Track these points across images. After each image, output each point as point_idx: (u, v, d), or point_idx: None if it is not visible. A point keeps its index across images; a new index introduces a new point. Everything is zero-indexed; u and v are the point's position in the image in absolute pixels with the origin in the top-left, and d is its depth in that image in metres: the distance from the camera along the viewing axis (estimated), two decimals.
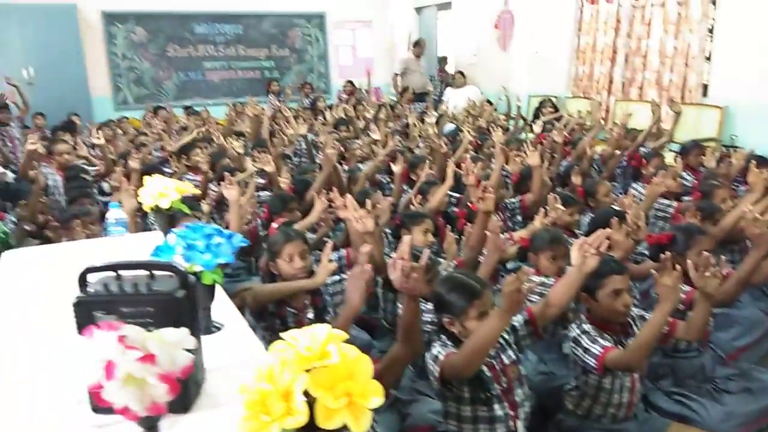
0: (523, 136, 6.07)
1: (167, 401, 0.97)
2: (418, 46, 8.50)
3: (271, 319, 2.20)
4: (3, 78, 6.58)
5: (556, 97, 6.85)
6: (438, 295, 1.81)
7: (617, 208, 3.04)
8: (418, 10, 9.53)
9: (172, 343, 0.99)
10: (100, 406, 1.03)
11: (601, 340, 1.96)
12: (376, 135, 4.84)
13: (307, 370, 0.84)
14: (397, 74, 8.74)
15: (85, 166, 4.38)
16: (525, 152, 3.55)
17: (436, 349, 1.73)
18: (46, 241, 3.76)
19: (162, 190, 2.06)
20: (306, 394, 0.83)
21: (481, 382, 1.72)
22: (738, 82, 5.08)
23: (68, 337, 1.41)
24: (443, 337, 1.81)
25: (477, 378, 1.70)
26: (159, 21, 8.81)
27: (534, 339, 1.96)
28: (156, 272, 1.15)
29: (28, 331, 1.60)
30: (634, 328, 2.12)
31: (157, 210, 2.11)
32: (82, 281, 1.13)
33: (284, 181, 3.69)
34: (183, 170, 4.26)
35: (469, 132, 5.35)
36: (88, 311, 1.08)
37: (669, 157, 4.68)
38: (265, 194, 3.87)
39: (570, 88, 6.94)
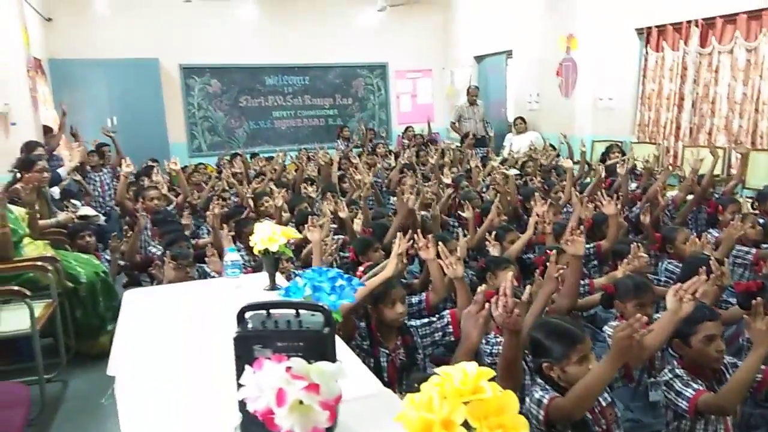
0: (588, 180, 6.11)
1: (326, 427, 1.10)
2: (470, 93, 8.74)
3: (365, 358, 2.30)
4: (99, 128, 7.12)
5: (621, 142, 6.86)
6: (536, 340, 1.88)
7: (706, 254, 3.04)
8: (478, 58, 9.78)
9: (329, 374, 1.12)
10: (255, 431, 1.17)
11: (693, 384, 1.98)
12: (447, 179, 4.98)
13: (464, 403, 0.95)
14: (453, 122, 8.97)
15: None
16: (600, 201, 3.59)
17: (538, 393, 1.79)
18: (133, 277, 4.06)
19: (271, 235, 2.24)
20: (464, 424, 0.93)
21: (584, 425, 1.77)
22: None
23: (213, 367, 1.57)
24: (540, 380, 1.87)
25: (581, 420, 1.75)
26: (232, 74, 9.39)
27: (625, 381, 2.00)
28: (301, 311, 1.29)
29: (172, 362, 1.76)
30: (727, 375, 2.12)
31: (265, 253, 2.29)
32: (240, 318, 1.28)
33: (358, 223, 3.88)
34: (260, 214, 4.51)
35: (534, 177, 5.47)
36: (247, 345, 1.23)
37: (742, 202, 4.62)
38: (337, 237, 4.04)
39: (635, 134, 6.93)
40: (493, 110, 9.27)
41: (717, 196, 4.61)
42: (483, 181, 6.00)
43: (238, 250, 3.21)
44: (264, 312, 1.29)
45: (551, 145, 7.46)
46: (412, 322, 2.46)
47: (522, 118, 8.30)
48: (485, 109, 8.69)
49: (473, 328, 1.75)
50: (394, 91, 10.58)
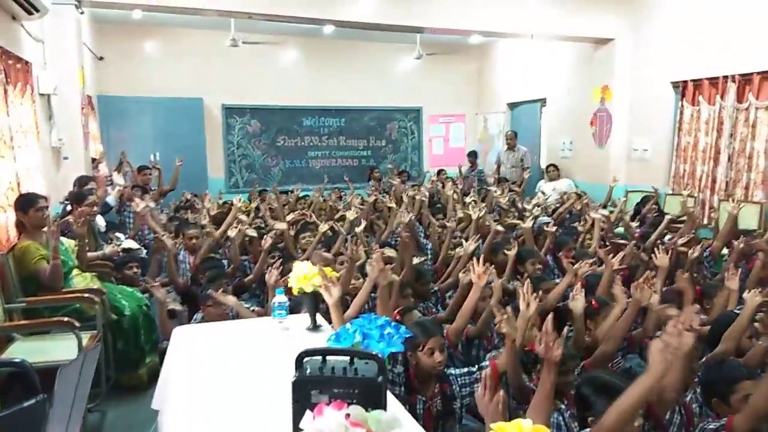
0: (620, 229, 6.09)
1: None
2: (508, 137, 8.85)
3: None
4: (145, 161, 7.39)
5: (656, 189, 6.83)
6: (584, 395, 1.91)
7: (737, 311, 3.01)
8: (511, 105, 9.92)
9: (386, 422, 1.17)
10: None
11: None
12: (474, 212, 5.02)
13: None
14: (496, 165, 9.10)
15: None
16: (655, 254, 3.58)
17: None
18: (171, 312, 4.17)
19: (307, 275, 2.31)
20: None
21: None
22: None
23: (261, 408, 1.63)
24: None
25: None
26: (272, 115, 9.71)
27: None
28: (355, 358, 1.35)
29: (219, 401, 1.83)
30: None
31: (303, 292, 2.36)
32: (299, 363, 1.34)
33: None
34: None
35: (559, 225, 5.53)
36: (305, 389, 1.29)
37: None
38: None
39: (670, 185, 6.90)
40: (529, 156, 9.30)
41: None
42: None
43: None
44: (320, 358, 1.35)
45: (582, 192, 7.47)
46: (452, 371, 2.47)
47: (555, 165, 8.34)
48: (526, 154, 8.76)
49: (489, 414, 1.72)
50: (426, 135, 10.76)
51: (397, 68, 10.32)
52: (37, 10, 4.37)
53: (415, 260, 3.86)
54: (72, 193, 4.39)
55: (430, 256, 4.99)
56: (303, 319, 2.49)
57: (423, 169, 10.68)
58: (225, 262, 4.37)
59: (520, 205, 6.43)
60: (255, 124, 9.65)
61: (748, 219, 5.55)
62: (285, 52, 9.69)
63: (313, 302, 2.38)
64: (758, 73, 5.78)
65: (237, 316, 3.43)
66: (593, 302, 2.97)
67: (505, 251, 4.33)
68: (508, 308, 2.36)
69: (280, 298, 2.37)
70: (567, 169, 8.34)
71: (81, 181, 5.02)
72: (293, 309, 2.57)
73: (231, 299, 3.17)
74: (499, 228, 4.84)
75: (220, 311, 3.18)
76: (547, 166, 8.49)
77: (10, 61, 4.23)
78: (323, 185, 8.19)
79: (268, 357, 2.15)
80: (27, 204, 3.52)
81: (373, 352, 1.34)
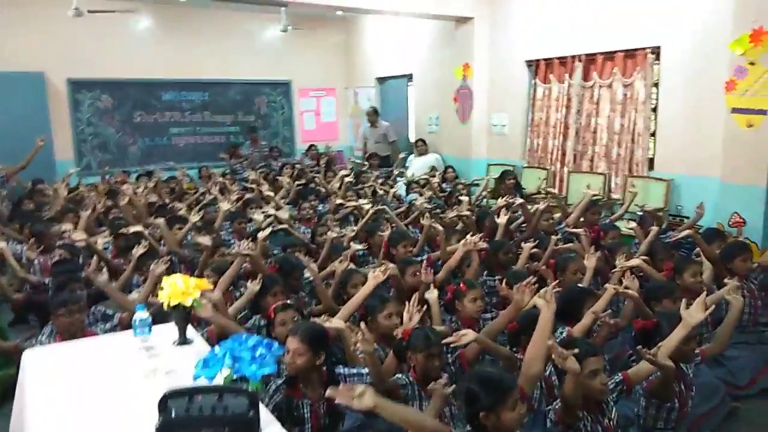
0: (484, 202, 6.46)
1: None
2: (369, 115, 8.93)
3: None
4: None
5: (513, 166, 7.29)
6: (471, 390, 2.00)
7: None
8: (380, 80, 10.01)
9: None
10: None
11: None
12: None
13: None
14: (362, 141, 9.16)
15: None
16: None
17: None
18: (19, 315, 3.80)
19: (184, 289, 2.20)
20: None
21: None
22: (680, 157, 5.61)
23: None
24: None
25: None
26: (126, 89, 8.96)
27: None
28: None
29: None
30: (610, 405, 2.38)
31: (176, 307, 2.24)
32: (162, 406, 1.27)
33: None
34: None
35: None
36: None
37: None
38: None
39: (526, 159, 7.40)
40: (396, 131, 9.48)
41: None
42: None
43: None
44: (186, 397, 1.29)
45: (450, 167, 7.82)
46: (341, 369, 2.49)
47: (423, 140, 8.59)
48: (388, 129, 8.89)
49: None
50: (297, 109, 10.56)
51: (263, 40, 9.95)
52: None
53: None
54: None
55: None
56: (169, 330, 2.37)
57: (295, 145, 10.52)
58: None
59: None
60: (107, 99, 8.86)
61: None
62: (139, 21, 8.94)
63: (183, 315, 2.26)
64: (601, 54, 6.30)
65: (97, 322, 3.20)
66: (461, 285, 3.11)
67: (380, 233, 4.43)
68: (362, 326, 2.42)
69: (141, 315, 2.22)
70: (434, 144, 8.62)
71: None
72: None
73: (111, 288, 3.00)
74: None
75: (73, 320, 2.88)
76: (416, 141, 8.72)
77: None
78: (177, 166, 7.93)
79: (131, 382, 2.02)
80: None
81: (242, 387, 1.31)
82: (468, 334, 2.46)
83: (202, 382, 1.57)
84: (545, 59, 6.96)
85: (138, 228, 4.26)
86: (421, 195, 6.42)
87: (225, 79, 9.69)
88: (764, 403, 3.38)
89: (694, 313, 2.42)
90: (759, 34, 4.72)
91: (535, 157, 7.27)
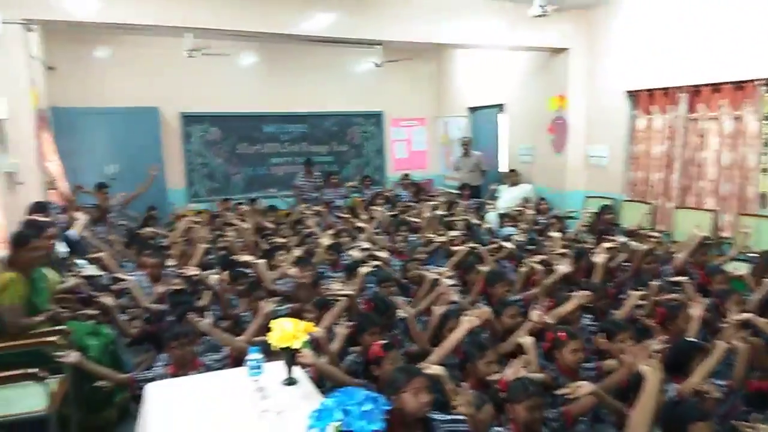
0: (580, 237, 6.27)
1: None
2: (465, 144, 8.97)
3: None
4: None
5: (613, 199, 7.06)
6: None
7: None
8: (472, 109, 10.05)
9: None
10: None
11: None
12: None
13: None
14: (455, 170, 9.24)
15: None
16: None
17: None
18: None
19: (293, 332, 2.32)
20: None
21: None
22: None
23: None
24: None
25: None
26: (231, 122, 9.58)
27: None
28: None
29: None
30: None
31: (284, 349, 2.37)
32: None
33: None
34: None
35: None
36: None
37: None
38: None
39: (626, 192, 7.13)
40: (485, 161, 9.47)
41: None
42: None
43: None
44: None
45: (542, 198, 7.67)
46: (435, 416, 2.41)
47: (514, 171, 8.51)
48: (481, 159, 8.90)
49: None
50: (389, 138, 10.81)
51: (358, 73, 10.31)
52: None
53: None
54: (28, 225, 4.19)
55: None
56: (276, 369, 2.50)
57: (386, 174, 10.75)
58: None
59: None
60: (215, 131, 9.51)
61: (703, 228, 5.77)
62: (244, 57, 9.56)
63: (291, 356, 2.39)
64: (707, 86, 6.01)
65: (207, 352, 3.41)
66: (561, 334, 3.05)
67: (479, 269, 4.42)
68: (465, 386, 2.40)
69: (254, 357, 2.38)
70: (527, 175, 8.51)
71: (34, 208, 4.87)
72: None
73: (216, 331, 3.18)
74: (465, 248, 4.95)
75: (185, 352, 3.09)
76: (507, 171, 8.65)
77: None
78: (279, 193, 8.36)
79: (245, 421, 2.16)
80: (20, 241, 3.43)
81: None
82: (584, 386, 2.43)
83: None
84: (647, 90, 6.73)
85: (248, 258, 4.52)
86: (515, 227, 6.37)
87: (321, 112, 10.13)
88: None
89: None
90: None
91: (636, 191, 6.99)
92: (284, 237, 6.08)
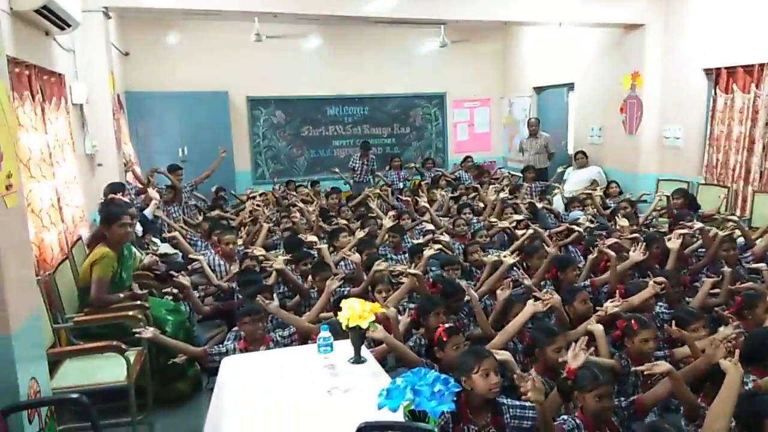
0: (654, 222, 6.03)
1: None
2: (530, 125, 8.74)
3: None
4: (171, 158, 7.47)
5: (687, 182, 6.74)
6: None
7: None
8: (538, 89, 9.78)
9: None
10: None
11: None
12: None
13: None
14: (519, 152, 9.05)
15: None
16: None
17: None
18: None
19: (362, 313, 2.36)
20: None
21: None
22: None
23: None
24: None
25: None
26: (296, 105, 9.73)
27: None
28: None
29: None
30: None
31: (353, 328, 2.41)
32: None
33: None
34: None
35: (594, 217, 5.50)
36: None
37: None
38: None
39: (703, 175, 6.78)
40: (553, 142, 9.23)
41: None
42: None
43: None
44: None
45: (614, 182, 7.37)
46: (504, 400, 2.42)
47: (583, 152, 8.24)
48: (549, 141, 8.66)
49: None
50: (451, 120, 10.69)
51: (420, 54, 10.21)
52: (69, 26, 4.42)
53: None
54: (104, 212, 4.29)
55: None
56: (346, 347, 2.55)
57: (448, 156, 10.65)
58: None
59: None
60: (280, 115, 9.70)
61: None
62: (308, 42, 9.66)
63: (359, 336, 2.43)
64: None
65: (275, 329, 3.51)
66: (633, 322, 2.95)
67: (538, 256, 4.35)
68: (533, 373, 2.37)
69: (324, 334, 2.43)
70: (596, 156, 8.23)
71: (113, 188, 5.12)
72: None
73: (283, 312, 3.29)
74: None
75: (257, 328, 3.20)
76: (576, 153, 8.39)
77: (44, 77, 4.31)
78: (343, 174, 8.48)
79: (316, 397, 2.22)
80: (111, 218, 3.63)
81: (426, 426, 1.39)
82: (661, 364, 2.39)
83: (385, 411, 1.68)
84: (727, 68, 6.34)
85: (313, 238, 4.61)
86: (583, 211, 6.19)
87: (383, 94, 10.13)
88: None
89: None
90: None
91: (713, 174, 6.64)
92: (346, 219, 6.17)
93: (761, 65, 5.94)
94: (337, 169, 8.76)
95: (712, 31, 6.47)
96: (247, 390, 2.32)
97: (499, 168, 10.19)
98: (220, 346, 3.24)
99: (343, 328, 2.41)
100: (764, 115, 5.96)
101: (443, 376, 1.77)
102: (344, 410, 2.10)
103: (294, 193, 7.73)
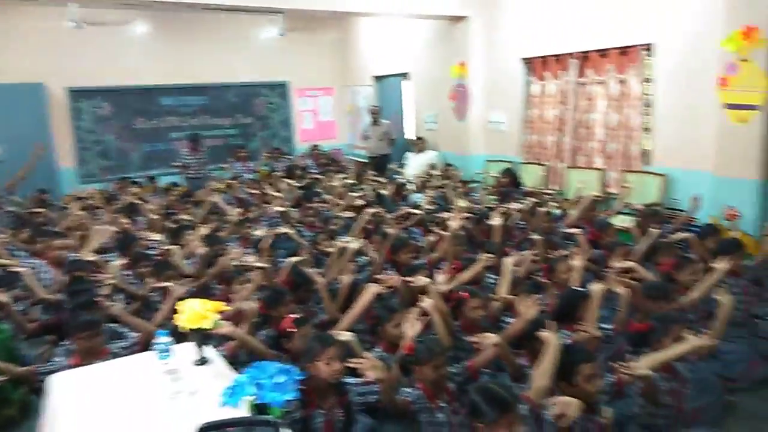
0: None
1: None
2: (374, 112, 9.02)
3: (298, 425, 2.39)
4: None
5: (512, 162, 7.41)
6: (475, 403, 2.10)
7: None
8: (377, 78, 10.08)
9: None
10: None
11: None
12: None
13: None
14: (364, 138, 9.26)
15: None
16: None
17: None
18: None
19: (203, 312, 2.31)
20: None
21: None
22: (675, 151, 5.71)
23: None
24: None
25: None
26: (125, 96, 9.06)
27: None
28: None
29: None
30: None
31: (196, 330, 2.36)
32: None
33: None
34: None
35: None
36: None
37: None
38: None
39: (523, 155, 7.49)
40: (393, 129, 9.58)
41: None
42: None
43: None
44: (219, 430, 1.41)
45: (451, 164, 7.90)
46: (349, 380, 2.54)
47: (421, 138, 8.69)
48: (390, 128, 8.98)
49: None
50: (295, 109, 10.65)
51: (260, 42, 10.02)
52: None
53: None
54: None
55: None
56: (188, 350, 2.48)
57: (294, 145, 10.62)
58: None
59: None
60: (107, 106, 8.98)
61: (590, 185, 6.20)
62: (137, 28, 9.01)
63: (201, 337, 2.38)
64: (595, 51, 6.38)
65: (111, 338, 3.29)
66: (466, 293, 3.22)
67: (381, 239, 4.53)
68: (367, 354, 2.48)
69: (163, 340, 2.34)
70: (433, 142, 8.72)
71: None
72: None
73: (127, 316, 3.09)
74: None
75: (93, 343, 2.94)
76: (414, 139, 8.81)
77: None
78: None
79: (157, 405, 2.14)
80: None
81: (269, 419, 1.43)
82: (491, 336, 2.64)
83: (229, 408, 1.69)
84: (540, 57, 7.05)
85: (157, 237, 4.37)
86: (423, 194, 6.54)
87: (223, 83, 9.80)
88: (759, 395, 3.50)
89: (698, 339, 2.53)
90: (750, 32, 4.81)
91: (532, 153, 7.37)
92: (190, 215, 5.92)
93: (568, 54, 6.68)
94: (177, 163, 8.33)
95: (527, 23, 7.13)
96: (81, 407, 2.17)
97: (346, 155, 10.41)
98: (49, 363, 2.98)
99: (181, 330, 2.35)
100: (572, 98, 6.72)
101: (285, 366, 1.81)
102: (190, 414, 2.05)
103: (135, 189, 7.22)
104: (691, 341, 2.53)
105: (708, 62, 5.19)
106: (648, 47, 5.84)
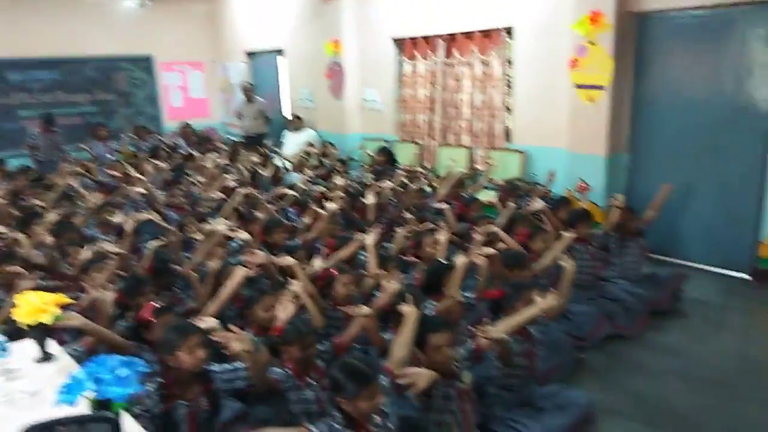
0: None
1: None
2: (247, 89, 8.73)
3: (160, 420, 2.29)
4: None
5: (387, 140, 7.52)
6: (336, 378, 2.13)
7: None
8: (251, 54, 9.76)
9: None
10: None
11: None
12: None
13: None
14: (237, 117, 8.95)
15: None
16: None
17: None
18: None
19: (41, 306, 2.14)
20: None
21: None
22: (533, 130, 6.09)
23: None
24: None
25: None
26: None
27: None
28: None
29: None
30: None
31: (36, 325, 2.18)
32: None
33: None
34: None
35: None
36: None
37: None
38: None
39: (398, 133, 7.64)
40: (269, 107, 9.36)
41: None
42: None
43: None
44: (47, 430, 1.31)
45: (329, 143, 7.84)
46: (213, 367, 2.45)
47: (298, 116, 8.55)
48: (265, 106, 8.74)
49: None
50: (161, 85, 10.04)
51: (119, 13, 9.30)
52: None
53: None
54: None
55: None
56: (29, 347, 2.28)
57: (162, 123, 10.04)
58: None
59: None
60: None
61: (459, 163, 6.47)
62: None
63: (42, 332, 2.19)
64: (461, 33, 6.61)
65: None
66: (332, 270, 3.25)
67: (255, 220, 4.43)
68: (233, 327, 2.42)
69: None
70: (310, 120, 8.62)
71: None
72: None
73: None
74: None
75: None
76: (291, 117, 8.66)
77: None
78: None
79: None
80: None
81: (103, 413, 1.34)
82: (363, 308, 2.71)
83: (66, 407, 1.58)
84: (411, 38, 7.17)
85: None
86: (300, 173, 6.46)
87: (78, 56, 9.00)
88: (605, 351, 3.87)
89: (544, 301, 2.73)
90: (596, 17, 5.21)
91: (406, 132, 7.53)
92: (43, 201, 5.41)
93: (436, 36, 6.85)
94: (26, 143, 7.57)
95: (398, 4, 7.21)
96: None
97: (220, 134, 10.01)
98: None
99: (19, 326, 2.15)
100: (441, 79, 6.93)
101: (127, 359, 1.71)
102: (31, 414, 1.89)
103: None
104: (539, 303, 2.72)
105: (561, 45, 5.56)
106: (509, 30, 6.14)
